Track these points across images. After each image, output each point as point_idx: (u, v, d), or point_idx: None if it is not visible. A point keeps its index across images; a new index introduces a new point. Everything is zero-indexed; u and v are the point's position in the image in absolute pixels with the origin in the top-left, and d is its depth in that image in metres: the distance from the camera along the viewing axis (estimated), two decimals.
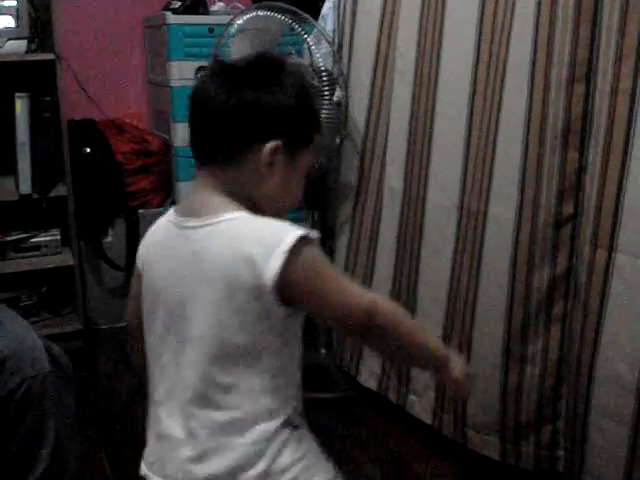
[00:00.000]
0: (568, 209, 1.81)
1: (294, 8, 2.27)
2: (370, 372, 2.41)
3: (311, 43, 2.26)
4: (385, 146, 2.30)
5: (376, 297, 1.08)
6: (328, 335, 2.57)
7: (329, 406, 2.39)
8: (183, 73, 2.96)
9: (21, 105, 2.72)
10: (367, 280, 2.38)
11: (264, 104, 1.06)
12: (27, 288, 2.99)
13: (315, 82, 2.23)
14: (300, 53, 2.34)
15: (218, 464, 1.07)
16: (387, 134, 2.29)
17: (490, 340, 1.95)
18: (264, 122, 1.07)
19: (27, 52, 2.74)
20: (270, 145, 1.07)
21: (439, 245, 2.10)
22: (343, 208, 2.50)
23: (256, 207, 1.10)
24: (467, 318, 2.01)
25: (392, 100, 2.25)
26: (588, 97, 1.75)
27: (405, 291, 2.23)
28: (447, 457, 2.12)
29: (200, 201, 1.10)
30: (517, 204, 1.85)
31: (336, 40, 2.49)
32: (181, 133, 3.00)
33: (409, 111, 2.18)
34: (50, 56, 2.73)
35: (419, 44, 2.13)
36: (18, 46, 2.70)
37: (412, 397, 2.24)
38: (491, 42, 1.90)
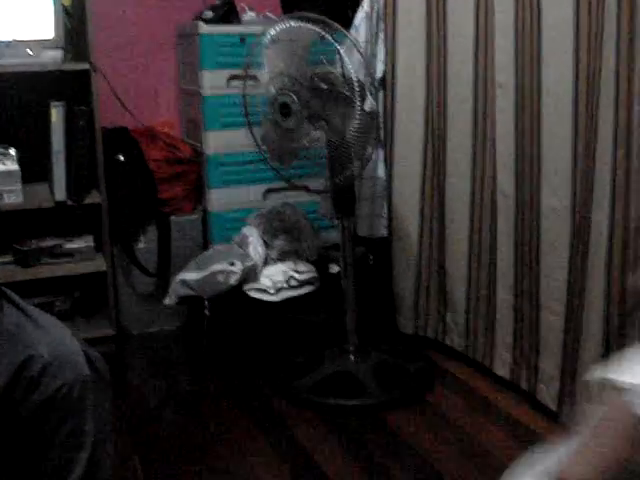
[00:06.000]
0: None
1: (325, 18, 2.29)
2: (503, 362, 2.55)
3: (343, 53, 2.28)
4: (494, 154, 2.43)
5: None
6: (358, 341, 2.58)
7: (357, 412, 2.41)
8: (215, 82, 3.00)
9: (56, 113, 2.77)
10: (491, 277, 2.54)
11: None
12: (61, 293, 3.03)
13: (346, 91, 2.26)
14: (332, 62, 2.37)
15: None
16: (494, 143, 2.42)
17: (593, 334, 2.07)
18: None
19: (63, 62, 2.78)
20: None
21: (556, 248, 2.23)
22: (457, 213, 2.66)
23: None
24: (582, 315, 2.11)
25: (496, 112, 2.38)
26: None
27: (527, 291, 2.38)
28: None
29: None
30: (609, 211, 1.95)
31: (368, 50, 2.52)
32: (212, 141, 3.04)
33: (514, 121, 2.31)
34: (85, 66, 2.77)
35: (517, 56, 2.27)
36: (54, 56, 2.74)
37: (541, 385, 2.37)
38: (588, 52, 2.01)
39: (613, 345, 1.99)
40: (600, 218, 1.98)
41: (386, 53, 2.71)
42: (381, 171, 2.84)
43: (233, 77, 2.95)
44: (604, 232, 1.97)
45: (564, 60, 2.09)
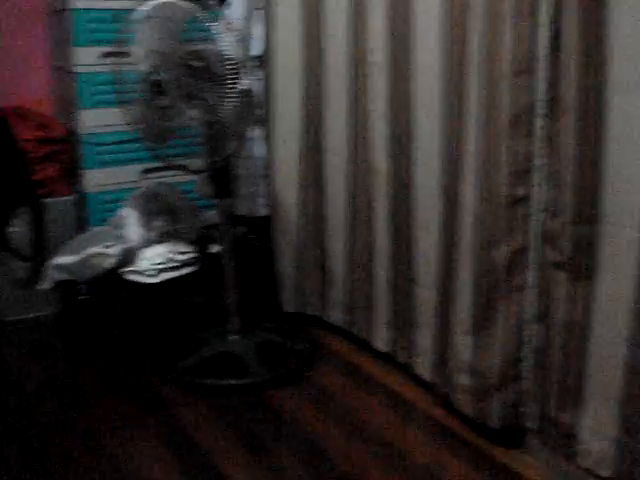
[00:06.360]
0: (521, 190, 1.93)
1: None
2: (382, 337, 2.60)
3: (217, 31, 2.25)
4: (369, 132, 2.46)
5: None
6: (242, 321, 2.58)
7: (240, 392, 2.41)
8: (88, 59, 2.92)
9: None
10: (369, 253, 2.58)
11: None
12: None
13: (221, 70, 2.23)
14: (207, 40, 2.33)
15: None
16: (369, 121, 2.45)
17: (463, 308, 2.11)
18: None
19: None
20: None
21: (428, 225, 2.28)
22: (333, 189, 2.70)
23: None
24: (452, 289, 2.16)
25: (370, 90, 2.41)
26: (532, 88, 1.86)
27: (403, 267, 2.43)
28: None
29: None
30: (475, 188, 2.00)
31: (245, 28, 2.50)
32: (86, 120, 2.96)
33: (387, 100, 2.35)
34: None
35: (389, 35, 2.29)
36: None
37: (418, 359, 2.43)
38: (457, 32, 2.04)
39: (482, 318, 2.05)
40: (467, 195, 2.03)
41: (264, 31, 2.70)
42: (259, 150, 2.84)
43: (107, 54, 2.88)
44: (470, 209, 2.02)
45: (434, 40, 2.13)
